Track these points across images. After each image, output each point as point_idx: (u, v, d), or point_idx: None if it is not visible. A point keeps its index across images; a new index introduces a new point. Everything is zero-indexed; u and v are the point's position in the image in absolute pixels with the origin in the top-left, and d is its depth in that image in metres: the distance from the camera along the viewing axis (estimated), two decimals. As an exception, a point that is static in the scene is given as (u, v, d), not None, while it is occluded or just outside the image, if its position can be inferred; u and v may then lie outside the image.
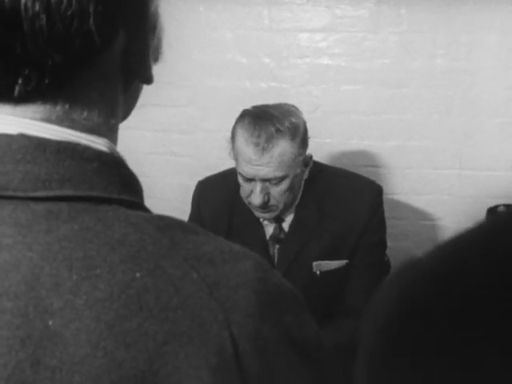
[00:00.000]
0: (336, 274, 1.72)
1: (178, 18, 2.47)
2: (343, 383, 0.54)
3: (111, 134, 0.55)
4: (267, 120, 1.56)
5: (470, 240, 0.35)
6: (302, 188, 1.71)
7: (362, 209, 1.70)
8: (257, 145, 1.53)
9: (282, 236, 1.74)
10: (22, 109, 0.50)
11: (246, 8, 2.47)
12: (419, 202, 2.51)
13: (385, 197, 1.80)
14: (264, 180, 1.58)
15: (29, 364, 0.43)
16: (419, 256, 0.37)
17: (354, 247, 1.71)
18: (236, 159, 1.63)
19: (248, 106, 1.86)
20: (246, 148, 1.55)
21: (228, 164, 1.80)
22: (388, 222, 1.83)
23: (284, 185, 1.60)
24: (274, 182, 1.59)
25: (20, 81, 0.47)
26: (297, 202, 1.72)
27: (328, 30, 2.44)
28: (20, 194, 0.47)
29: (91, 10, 0.47)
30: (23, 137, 0.48)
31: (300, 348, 0.50)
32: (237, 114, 1.66)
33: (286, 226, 1.75)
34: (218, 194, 1.80)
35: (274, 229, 1.75)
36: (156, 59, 0.58)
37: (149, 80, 0.57)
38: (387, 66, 2.42)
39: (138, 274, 0.45)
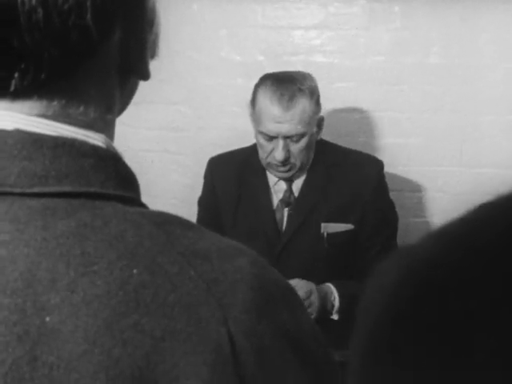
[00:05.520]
0: (343, 237, 1.79)
1: (171, 16, 2.46)
2: (340, 382, 0.53)
3: (108, 129, 0.55)
4: (289, 81, 1.71)
5: (464, 227, 0.34)
6: (313, 151, 1.82)
7: (368, 178, 1.81)
8: (281, 103, 1.66)
9: (291, 199, 1.84)
10: (18, 104, 0.49)
11: (239, 6, 2.47)
12: (413, 199, 2.51)
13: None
14: (286, 137, 1.69)
15: (26, 361, 0.43)
16: (413, 244, 0.36)
17: (361, 217, 1.79)
18: (258, 120, 1.73)
19: (242, 104, 1.86)
20: (271, 106, 1.67)
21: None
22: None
23: (303, 142, 1.72)
24: (294, 138, 1.70)
25: (16, 75, 0.47)
26: (308, 166, 1.82)
27: (321, 27, 2.44)
28: (17, 190, 0.46)
29: (88, 4, 0.47)
30: (20, 132, 0.48)
31: (297, 345, 0.49)
32: (231, 112, 1.68)
33: (295, 190, 1.84)
34: (229, 166, 1.91)
35: (285, 192, 1.83)
36: (153, 55, 0.58)
37: (145, 76, 0.57)
38: (381, 63, 2.42)
39: (135, 271, 0.45)
